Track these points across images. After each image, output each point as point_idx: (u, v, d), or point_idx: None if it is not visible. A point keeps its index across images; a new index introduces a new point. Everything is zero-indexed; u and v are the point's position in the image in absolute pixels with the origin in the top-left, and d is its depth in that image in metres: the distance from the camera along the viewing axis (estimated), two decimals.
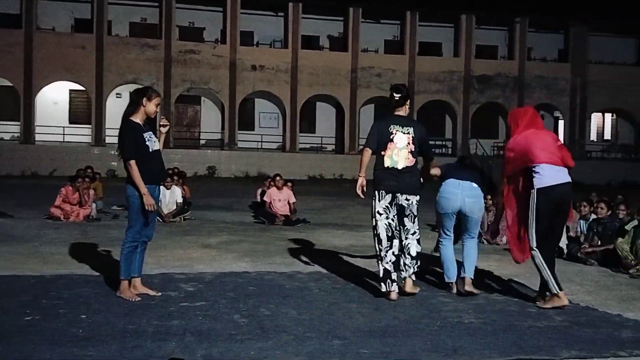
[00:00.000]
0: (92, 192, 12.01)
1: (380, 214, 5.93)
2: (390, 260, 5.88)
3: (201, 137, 29.66)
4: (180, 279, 6.52)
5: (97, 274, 6.72)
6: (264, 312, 5.27)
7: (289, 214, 11.98)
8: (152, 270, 7.00)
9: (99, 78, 26.98)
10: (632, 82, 31.72)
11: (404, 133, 5.94)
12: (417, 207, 6.06)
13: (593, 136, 33.79)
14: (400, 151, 5.92)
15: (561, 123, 32.40)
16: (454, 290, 6.14)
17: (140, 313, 5.12)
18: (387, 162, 5.90)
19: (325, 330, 4.77)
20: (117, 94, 28.17)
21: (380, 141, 5.93)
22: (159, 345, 4.28)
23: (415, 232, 6.06)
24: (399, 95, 6.02)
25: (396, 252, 5.93)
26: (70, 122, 28.12)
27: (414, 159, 5.96)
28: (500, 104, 31.10)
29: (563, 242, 8.79)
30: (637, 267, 7.56)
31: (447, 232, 6.33)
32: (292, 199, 12.20)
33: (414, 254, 6.04)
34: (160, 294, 5.78)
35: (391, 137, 5.92)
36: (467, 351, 4.37)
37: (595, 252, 8.32)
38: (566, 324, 5.19)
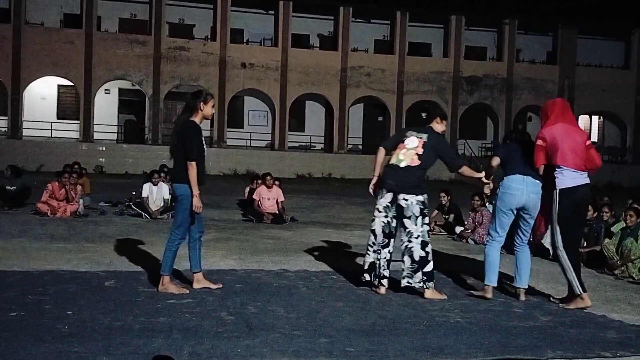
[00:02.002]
0: (79, 188, 11.94)
1: (380, 212, 6.08)
2: (381, 257, 6.02)
3: None
4: None
5: (84, 270, 6.69)
6: (251, 310, 5.27)
7: (277, 212, 11.97)
8: (139, 267, 6.99)
9: (87, 74, 26.80)
10: (620, 85, 31.98)
11: (417, 137, 6.11)
12: (421, 208, 5.99)
13: None
14: (408, 151, 6.04)
15: None
16: (489, 295, 5.99)
17: (127, 310, 5.10)
18: (393, 160, 6.10)
19: (312, 329, 4.78)
20: (105, 90, 28.03)
21: (394, 143, 6.20)
22: (145, 342, 4.27)
23: (419, 236, 5.96)
24: (425, 114, 6.42)
25: (391, 251, 6.09)
26: (58, 118, 27.91)
27: (420, 161, 5.99)
28: (489, 105, 31.24)
29: (549, 243, 8.84)
30: (622, 268, 7.63)
31: (500, 232, 6.08)
32: (281, 198, 12.19)
33: (417, 257, 5.94)
34: (221, 285, 5.96)
35: (404, 139, 6.14)
36: (452, 350, 4.39)
37: (581, 254, 8.36)
38: (551, 324, 5.23)
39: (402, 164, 6.00)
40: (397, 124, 30.06)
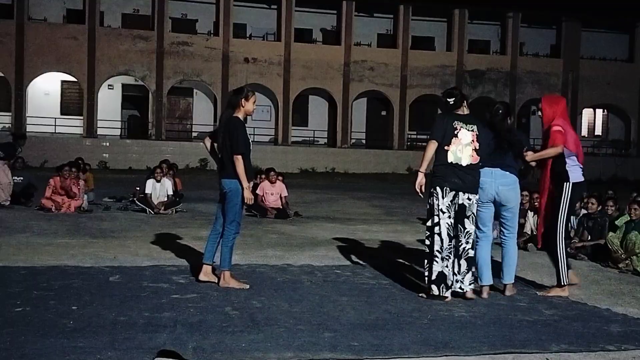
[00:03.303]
0: (82, 182, 11.94)
1: (444, 212, 5.63)
2: (449, 264, 5.61)
3: (193, 130, 29.57)
4: (171, 271, 6.52)
5: (88, 265, 6.70)
6: (255, 305, 5.27)
7: (281, 207, 11.98)
8: (143, 262, 7.01)
9: (90, 69, 26.82)
10: (623, 78, 31.86)
11: (468, 130, 5.71)
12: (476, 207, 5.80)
13: (584, 132, 33.91)
14: (464, 147, 5.67)
15: None
16: (485, 295, 5.81)
17: (131, 305, 5.11)
18: (451, 158, 5.65)
19: (316, 323, 4.78)
20: (109, 85, 28.04)
21: (445, 135, 5.67)
22: (150, 337, 4.28)
23: (472, 235, 5.77)
24: (453, 99, 5.83)
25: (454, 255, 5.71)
26: (61, 114, 27.95)
27: (478, 157, 5.71)
28: (492, 98, 31.03)
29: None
30: (627, 261, 7.62)
31: (483, 228, 5.93)
32: (285, 193, 12.19)
33: (469, 259, 5.75)
34: (216, 280, 5.93)
35: (456, 132, 5.68)
36: (457, 344, 4.39)
37: (585, 247, 8.37)
38: (556, 317, 5.22)
39: (464, 162, 5.64)
40: (401, 118, 30.03)
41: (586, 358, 4.24)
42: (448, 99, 5.85)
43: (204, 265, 6.03)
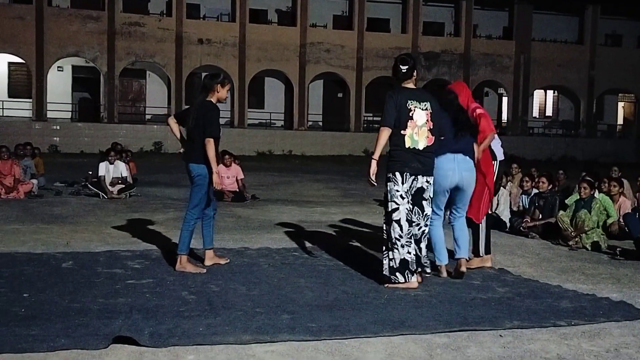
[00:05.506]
0: (17, 161, 11.57)
1: (403, 198, 5.44)
2: (411, 249, 5.48)
3: (147, 112, 29.07)
4: (126, 256, 6.42)
5: (40, 252, 6.55)
6: (212, 289, 5.24)
7: (237, 190, 11.91)
8: (97, 247, 6.89)
9: (39, 50, 26.04)
10: (573, 59, 32.57)
11: (422, 109, 5.47)
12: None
13: (535, 113, 34.63)
14: (420, 130, 5.45)
15: (505, 100, 33.03)
16: (444, 274, 5.82)
17: (85, 291, 5.03)
18: (409, 143, 5.42)
19: (274, 305, 4.79)
20: (58, 67, 27.30)
21: (399, 118, 5.40)
22: (105, 323, 4.21)
23: (429, 217, 5.66)
24: (406, 67, 5.50)
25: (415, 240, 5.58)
26: (9, 96, 27.15)
27: (433, 138, 5.50)
28: (447, 80, 31.46)
29: (506, 216, 9.02)
30: (576, 239, 7.83)
31: (438, 212, 5.89)
32: (241, 176, 12.13)
33: (426, 241, 5.66)
34: (229, 260, 6.22)
35: (410, 114, 5.42)
36: (413, 323, 4.45)
37: (537, 226, 8.57)
38: (509, 295, 5.34)
39: (421, 146, 5.45)
40: (357, 100, 30.10)
41: (538, 334, 4.35)
42: (401, 66, 5.51)
43: (206, 251, 6.15)
